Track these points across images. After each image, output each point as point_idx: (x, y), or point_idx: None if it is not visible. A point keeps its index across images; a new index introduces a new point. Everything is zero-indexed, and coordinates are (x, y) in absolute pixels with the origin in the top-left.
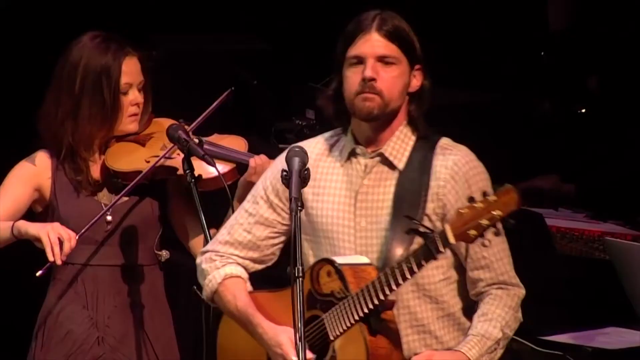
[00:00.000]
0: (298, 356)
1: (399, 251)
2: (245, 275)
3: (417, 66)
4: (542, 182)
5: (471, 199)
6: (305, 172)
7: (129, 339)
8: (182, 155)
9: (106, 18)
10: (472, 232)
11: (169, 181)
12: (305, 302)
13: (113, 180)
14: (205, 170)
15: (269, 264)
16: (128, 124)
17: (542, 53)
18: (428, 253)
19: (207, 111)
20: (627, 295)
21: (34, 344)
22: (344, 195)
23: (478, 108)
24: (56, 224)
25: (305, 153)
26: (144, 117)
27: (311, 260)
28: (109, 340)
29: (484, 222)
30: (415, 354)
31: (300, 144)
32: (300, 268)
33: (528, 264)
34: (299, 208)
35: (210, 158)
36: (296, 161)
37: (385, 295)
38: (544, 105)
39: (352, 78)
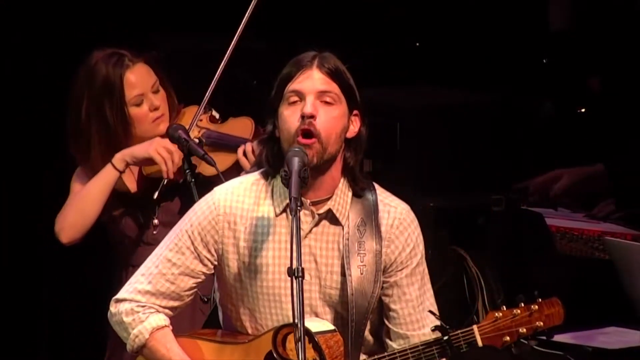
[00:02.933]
0: (298, 356)
1: (361, 314)
2: (168, 321)
3: (355, 111)
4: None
5: (515, 301)
6: (305, 171)
7: None
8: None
9: (106, 18)
10: (506, 339)
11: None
12: None
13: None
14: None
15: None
16: (154, 128)
17: (544, 60)
18: (446, 351)
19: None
20: (627, 295)
21: (107, 353)
22: (284, 249)
23: (478, 108)
24: (157, 139)
25: (305, 153)
26: (172, 114)
27: (245, 317)
28: None
29: (523, 330)
30: None
31: (223, 188)
32: (300, 268)
33: (528, 264)
34: (299, 207)
35: (210, 158)
36: (295, 161)
37: None
38: (545, 106)
39: (290, 117)
